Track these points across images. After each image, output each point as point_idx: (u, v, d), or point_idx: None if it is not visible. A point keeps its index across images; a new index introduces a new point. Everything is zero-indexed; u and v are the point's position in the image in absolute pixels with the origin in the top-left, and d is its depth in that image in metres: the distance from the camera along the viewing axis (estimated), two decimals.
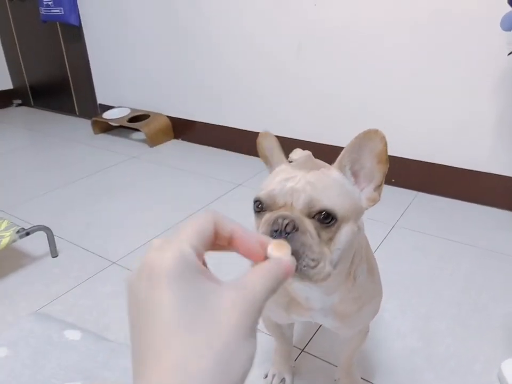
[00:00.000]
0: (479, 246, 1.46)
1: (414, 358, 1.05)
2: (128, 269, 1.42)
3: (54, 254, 1.49)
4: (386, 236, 1.55)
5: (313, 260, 0.52)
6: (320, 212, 0.54)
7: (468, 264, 1.37)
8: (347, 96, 1.92)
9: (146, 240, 1.58)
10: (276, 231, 0.52)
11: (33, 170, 2.26)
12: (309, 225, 0.53)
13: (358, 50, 1.82)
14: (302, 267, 0.52)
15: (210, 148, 2.46)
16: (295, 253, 0.49)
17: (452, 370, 1.01)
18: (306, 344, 1.10)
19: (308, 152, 1.02)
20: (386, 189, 2.01)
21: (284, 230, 0.52)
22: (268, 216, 0.55)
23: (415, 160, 1.83)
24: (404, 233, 1.56)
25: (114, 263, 1.46)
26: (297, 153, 1.04)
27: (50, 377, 0.97)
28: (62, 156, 2.43)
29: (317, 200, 0.54)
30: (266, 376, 1.00)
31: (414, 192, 1.85)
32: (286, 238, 0.51)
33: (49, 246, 1.48)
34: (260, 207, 0.57)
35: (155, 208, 1.81)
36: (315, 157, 0.91)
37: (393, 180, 1.91)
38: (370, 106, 1.86)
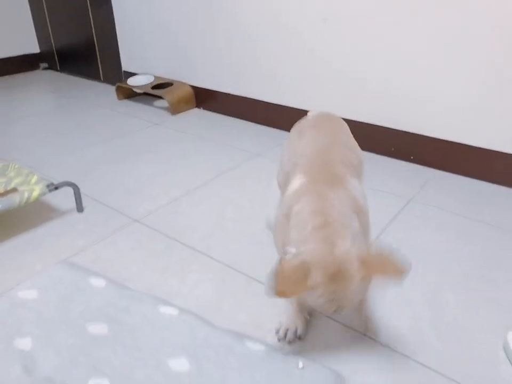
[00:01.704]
0: (495, 225, 1.47)
1: (422, 326, 1.08)
2: (149, 227, 1.48)
3: (80, 209, 1.56)
4: (402, 209, 1.57)
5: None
6: None
7: (482, 241, 1.39)
8: (366, 73, 1.91)
9: (167, 202, 1.64)
10: None
11: (59, 132, 2.32)
12: None
13: (380, 28, 1.80)
14: None
15: (231, 117, 2.49)
16: None
17: (459, 339, 1.04)
18: None
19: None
20: (405, 165, 2.02)
21: None
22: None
23: (435, 138, 1.83)
24: (421, 208, 1.58)
25: (136, 220, 1.52)
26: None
27: (76, 318, 1.05)
28: (87, 120, 2.49)
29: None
30: (278, 332, 1.01)
31: (433, 170, 1.85)
32: None
33: (76, 201, 1.54)
34: None
35: (175, 172, 1.86)
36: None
37: (412, 157, 1.91)
38: (390, 84, 1.86)
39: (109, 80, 3.09)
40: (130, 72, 2.91)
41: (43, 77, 3.40)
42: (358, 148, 1.23)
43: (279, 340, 1.00)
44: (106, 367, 0.91)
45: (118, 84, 2.74)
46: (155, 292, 1.18)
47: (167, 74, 2.72)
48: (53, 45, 3.39)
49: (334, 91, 2.06)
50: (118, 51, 2.94)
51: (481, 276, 1.24)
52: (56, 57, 3.43)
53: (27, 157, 2.00)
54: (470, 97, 1.70)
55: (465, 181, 1.77)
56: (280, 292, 0.78)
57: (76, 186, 1.52)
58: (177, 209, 1.59)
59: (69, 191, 1.57)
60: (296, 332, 1.00)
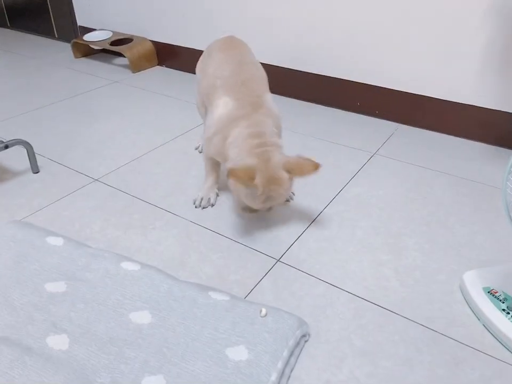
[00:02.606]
0: (453, 174, 1.50)
1: (382, 269, 1.11)
2: (110, 186, 1.43)
3: (35, 170, 1.48)
4: (366, 163, 1.58)
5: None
6: None
7: (440, 190, 1.42)
8: (331, 22, 1.86)
9: (128, 160, 1.58)
10: None
11: (11, 91, 2.18)
12: None
13: None
14: None
15: (194, 75, 2.40)
16: None
17: (417, 280, 1.08)
18: (283, 255, 1.15)
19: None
20: (370, 120, 2.02)
21: None
22: None
23: (399, 91, 1.82)
24: (384, 161, 1.59)
25: (96, 180, 1.47)
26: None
27: (32, 276, 1.01)
28: (42, 78, 2.34)
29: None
30: (195, 201, 1.33)
31: (396, 124, 1.86)
32: None
33: (30, 161, 1.47)
34: None
35: (137, 131, 1.79)
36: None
37: (376, 112, 1.91)
38: (356, 37, 1.82)
39: (64, 36, 2.90)
40: (86, 28, 2.74)
41: None
42: (260, 65, 1.36)
43: (196, 207, 1.32)
44: (65, 323, 0.89)
45: (74, 40, 2.58)
46: (117, 249, 1.15)
47: (126, 29, 2.57)
48: (2, 1, 3.13)
49: (296, 43, 2.00)
50: (72, 5, 2.75)
51: (439, 221, 1.27)
52: (5, 13, 3.18)
53: None
54: (434, 51, 1.69)
55: (427, 134, 1.79)
56: (234, 175, 1.05)
57: (29, 144, 1.44)
58: (139, 168, 1.54)
59: (23, 151, 1.48)
60: (209, 200, 1.34)
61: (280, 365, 0.81)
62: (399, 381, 0.84)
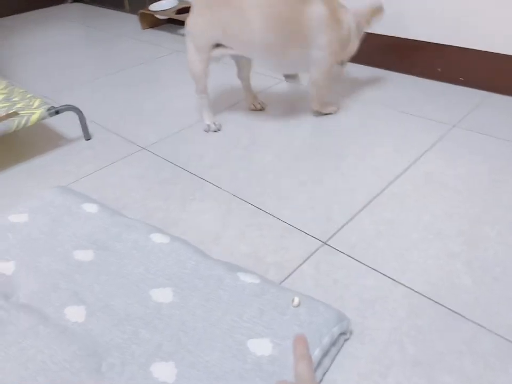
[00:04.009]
0: None
1: (452, 261, 0.92)
2: (157, 155, 1.37)
3: (87, 136, 1.47)
4: (443, 136, 1.34)
5: None
6: None
7: None
8: None
9: (178, 129, 1.51)
10: None
11: (78, 63, 2.22)
12: None
13: None
14: None
15: None
16: None
17: (496, 278, 0.87)
18: (331, 237, 1.00)
19: None
20: (453, 88, 1.73)
21: None
22: None
23: (488, 52, 1.52)
24: (465, 135, 1.34)
25: (143, 148, 1.42)
26: None
27: (64, 242, 0.97)
28: (107, 50, 2.36)
29: None
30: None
31: (484, 93, 1.57)
32: None
33: (82, 128, 1.46)
34: None
35: (192, 99, 1.71)
36: None
37: (461, 78, 1.63)
38: None
39: (134, 9, 2.91)
40: None
41: (70, 10, 3.28)
42: None
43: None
44: (86, 294, 0.84)
45: (141, 10, 2.56)
46: (153, 220, 1.09)
47: None
48: None
49: None
50: None
51: None
52: None
53: (42, 86, 1.93)
54: None
55: None
56: None
57: (80, 111, 1.42)
58: (188, 137, 1.47)
59: (77, 119, 1.47)
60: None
61: None
62: None
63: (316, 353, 0.70)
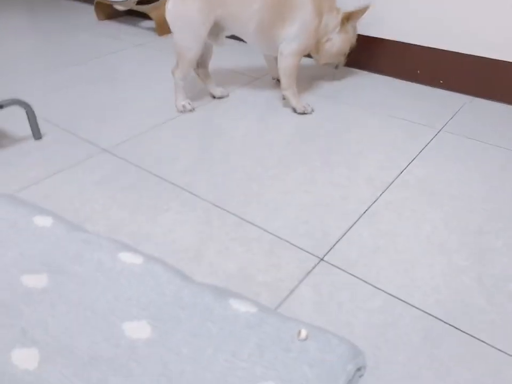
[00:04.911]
0: None
1: (461, 277, 0.83)
2: (120, 157, 1.21)
3: (37, 136, 1.28)
4: (430, 141, 1.28)
5: None
6: None
7: None
8: None
9: (145, 129, 1.35)
10: None
11: (27, 54, 1.99)
12: None
13: None
14: None
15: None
16: None
17: (510, 295, 0.79)
18: (327, 252, 0.89)
19: None
20: (432, 91, 1.66)
21: None
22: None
23: (469, 55, 1.49)
24: (453, 140, 1.29)
25: (105, 150, 1.24)
26: None
27: (8, 265, 0.79)
28: (60, 41, 2.13)
29: None
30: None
31: (466, 97, 1.54)
32: None
33: (30, 125, 1.26)
34: None
35: (157, 98, 1.55)
36: None
37: (441, 81, 1.59)
38: None
39: None
40: None
41: None
42: None
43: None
44: (38, 332, 0.67)
45: (97, 0, 2.36)
46: (120, 235, 0.93)
47: None
48: None
49: None
50: None
51: None
52: None
53: None
54: None
55: (507, 109, 1.46)
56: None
57: (28, 105, 1.23)
58: (157, 138, 1.31)
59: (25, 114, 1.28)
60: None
61: None
62: None
63: None
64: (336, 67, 1.60)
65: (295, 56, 1.36)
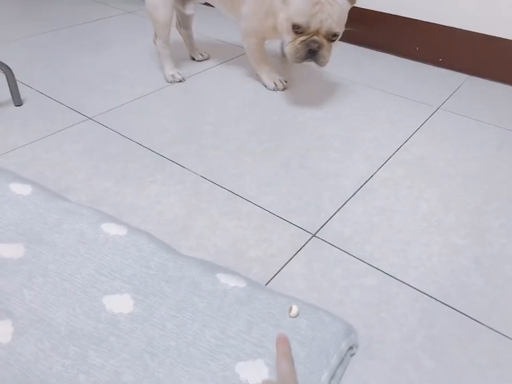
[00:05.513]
0: None
1: (458, 257, 0.81)
2: (106, 126, 1.15)
3: (18, 102, 1.21)
4: (428, 118, 1.24)
5: (326, 61, 1.13)
6: (333, 35, 1.10)
7: None
8: None
9: (133, 98, 1.29)
10: (310, 50, 1.10)
11: (7, 16, 1.89)
12: (326, 43, 1.10)
13: None
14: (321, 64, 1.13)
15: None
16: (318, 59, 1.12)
17: (508, 278, 0.77)
18: (320, 228, 0.86)
19: None
20: (431, 69, 1.61)
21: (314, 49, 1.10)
22: (304, 38, 1.10)
23: (470, 31, 1.44)
24: (452, 118, 1.25)
25: (90, 118, 1.18)
26: None
27: None
28: (44, 4, 2.03)
29: (334, 29, 1.08)
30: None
31: (466, 76, 1.50)
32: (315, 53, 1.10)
33: (10, 90, 1.19)
34: (298, 29, 1.09)
35: (146, 67, 1.48)
36: None
37: (440, 59, 1.55)
38: None
39: None
40: None
41: None
42: None
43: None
44: (13, 304, 0.63)
45: None
46: (103, 206, 0.88)
47: None
48: None
49: None
50: None
51: None
52: None
53: None
54: None
55: (505, 89, 1.42)
56: None
57: (8, 68, 1.15)
58: (145, 108, 1.25)
59: (5, 80, 1.20)
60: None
61: None
62: None
63: (324, 378, 0.55)
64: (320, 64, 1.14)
65: (247, 38, 1.31)
